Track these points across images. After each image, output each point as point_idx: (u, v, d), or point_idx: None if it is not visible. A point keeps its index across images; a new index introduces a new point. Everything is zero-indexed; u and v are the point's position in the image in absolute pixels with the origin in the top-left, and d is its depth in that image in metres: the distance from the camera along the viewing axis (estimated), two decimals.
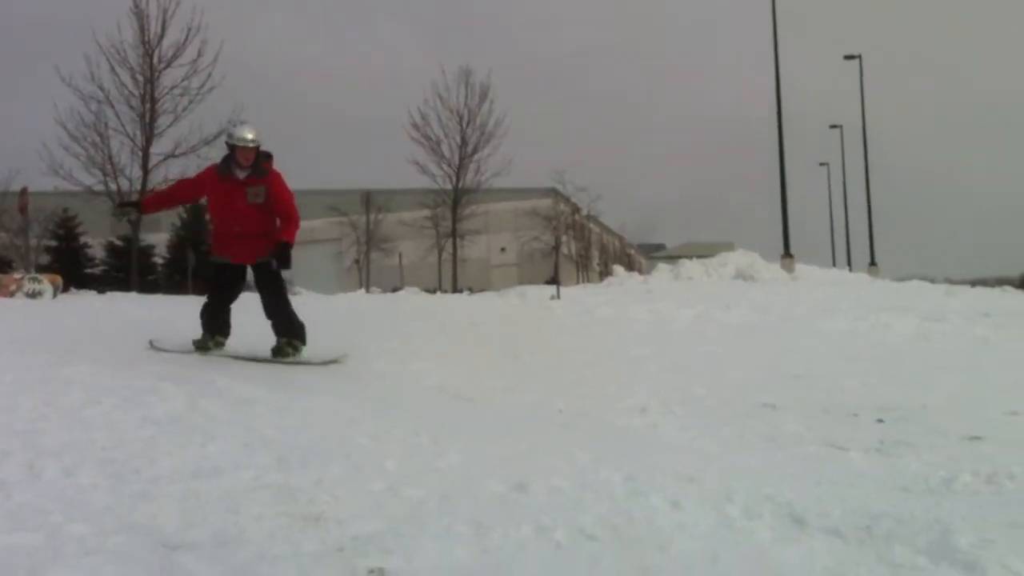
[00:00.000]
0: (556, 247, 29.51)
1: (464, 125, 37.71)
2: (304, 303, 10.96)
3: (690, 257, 29.48)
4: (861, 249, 52.16)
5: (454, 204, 37.61)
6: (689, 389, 8.15)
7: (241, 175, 8.24)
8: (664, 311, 15.28)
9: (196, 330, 8.61)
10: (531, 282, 30.25)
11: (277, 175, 8.38)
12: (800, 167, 51.33)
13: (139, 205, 10.04)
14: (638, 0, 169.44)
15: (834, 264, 50.56)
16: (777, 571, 3.77)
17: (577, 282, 40.66)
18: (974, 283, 36.60)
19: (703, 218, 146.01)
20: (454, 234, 38.14)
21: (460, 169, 37.66)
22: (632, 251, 60.61)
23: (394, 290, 26.93)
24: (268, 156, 8.34)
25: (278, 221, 8.44)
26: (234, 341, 8.67)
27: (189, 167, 24.75)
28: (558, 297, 18.40)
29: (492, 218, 44.66)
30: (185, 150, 26.34)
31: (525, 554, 3.79)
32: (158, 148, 26.72)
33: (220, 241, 8.56)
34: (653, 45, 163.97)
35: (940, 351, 11.41)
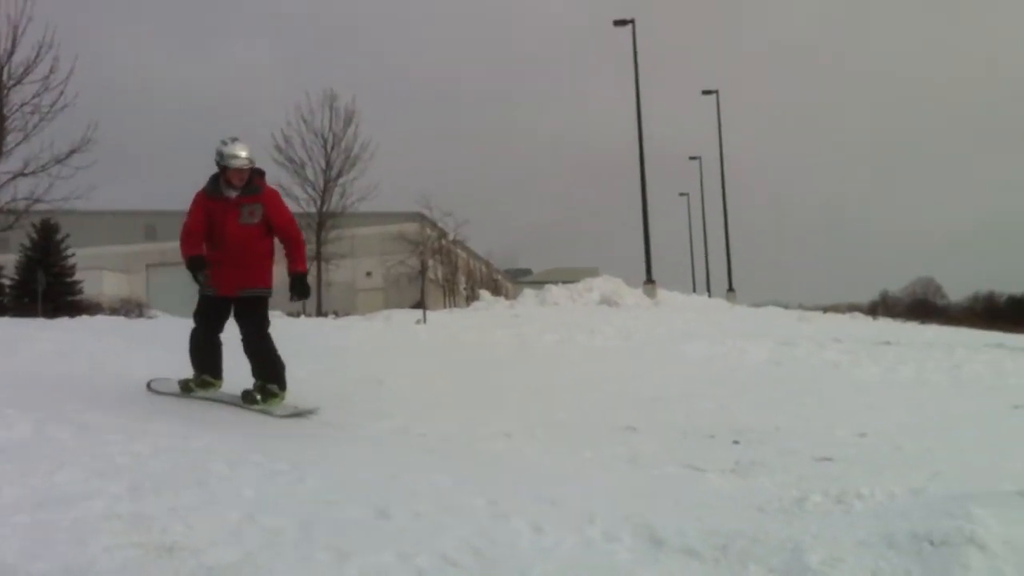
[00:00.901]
0: (422, 271, 29.36)
1: (329, 149, 37.31)
2: (162, 327, 10.63)
3: (556, 282, 29.73)
4: (720, 276, 53.56)
5: (319, 228, 37.05)
6: (552, 413, 8.22)
7: (232, 194, 7.49)
8: (529, 336, 15.38)
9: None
10: (397, 306, 30.05)
11: (273, 193, 7.78)
12: (662, 196, 52.65)
13: (201, 260, 7.70)
14: (505, 26, 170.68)
15: (694, 290, 51.89)
16: None
17: (444, 306, 40.58)
18: (826, 309, 37.99)
19: (569, 244, 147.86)
20: (319, 258, 37.56)
21: (325, 192, 37.21)
22: (498, 276, 60.81)
23: None
24: (260, 173, 7.68)
25: (280, 246, 7.75)
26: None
27: (39, 186, 23.80)
28: (424, 321, 18.34)
29: (358, 242, 44.14)
30: (35, 169, 25.22)
31: None
32: (6, 167, 25.52)
33: (214, 266, 7.61)
34: (520, 72, 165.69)
35: (793, 375, 11.79)
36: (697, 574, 4.03)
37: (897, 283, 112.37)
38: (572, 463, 6.40)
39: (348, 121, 37.56)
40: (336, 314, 29.61)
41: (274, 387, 7.58)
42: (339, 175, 37.37)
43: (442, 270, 48.01)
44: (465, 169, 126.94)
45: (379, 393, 9.29)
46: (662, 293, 32.04)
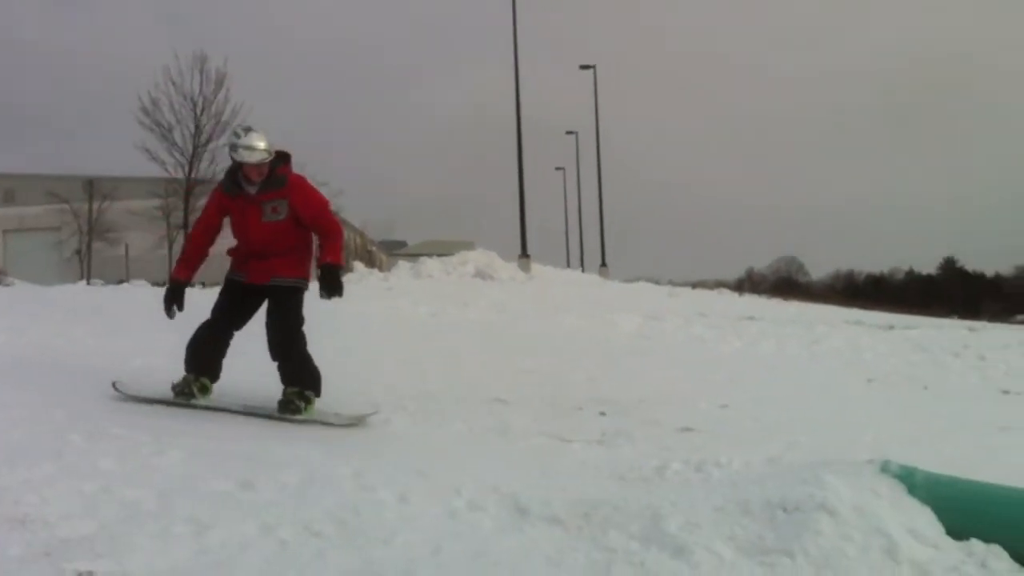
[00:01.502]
0: None
1: (198, 112, 36.28)
2: (16, 294, 10.20)
3: (431, 255, 29.67)
4: (594, 251, 54.30)
5: (186, 194, 35.98)
6: (423, 385, 8.21)
7: (252, 190, 6.47)
8: (402, 308, 15.33)
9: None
10: None
11: (299, 182, 6.61)
12: (538, 170, 52.92)
13: (180, 289, 6.84)
14: None
15: (568, 265, 52.43)
16: (498, 560, 3.86)
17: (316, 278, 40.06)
18: (695, 285, 38.92)
19: (445, 217, 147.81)
20: (186, 226, 36.55)
21: (193, 158, 36.16)
22: (373, 248, 60.39)
23: (119, 282, 25.55)
24: (284, 158, 6.57)
25: (312, 236, 6.77)
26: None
27: None
28: None
29: None
30: None
31: (247, 553, 3.71)
32: None
33: (237, 256, 6.79)
34: (401, 43, 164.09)
35: (660, 348, 12.06)
36: (560, 542, 4.09)
37: (763, 261, 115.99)
38: (441, 435, 6.41)
39: (219, 85, 36.53)
40: (204, 284, 28.96)
41: (311, 393, 6.54)
42: (209, 140, 36.34)
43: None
44: (342, 139, 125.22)
45: (245, 364, 9.12)
46: (536, 267, 32.27)
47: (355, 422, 6.43)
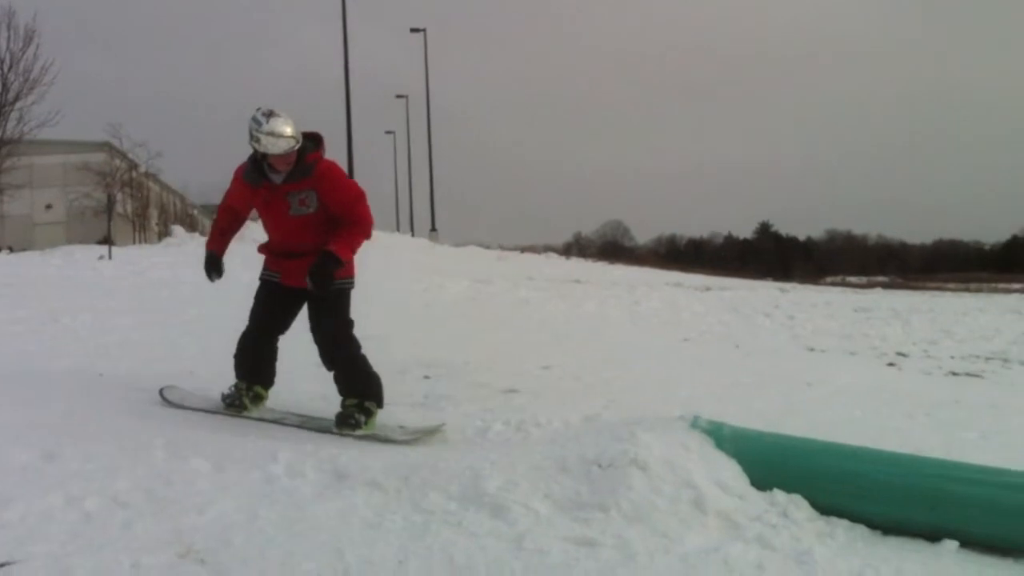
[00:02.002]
0: (109, 205, 27.63)
1: (5, 70, 34.44)
2: None
3: (256, 220, 28.91)
4: (424, 215, 54.19)
5: None
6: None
7: (278, 179, 5.53)
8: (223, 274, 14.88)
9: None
10: (81, 241, 28.35)
11: (329, 170, 5.59)
12: (368, 134, 52.52)
13: (214, 259, 6.05)
14: None
15: (398, 229, 52.22)
16: (316, 525, 3.83)
17: (134, 242, 38.62)
18: (524, 250, 39.47)
19: None
20: None
21: (0, 116, 34.32)
22: (195, 211, 58.47)
23: None
24: (315, 142, 5.59)
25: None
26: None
27: None
28: (108, 257, 17.34)
29: (37, 172, 40.76)
30: None
31: (50, 525, 3.58)
32: None
33: (269, 254, 5.96)
34: (228, 5, 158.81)
35: (486, 311, 12.13)
36: (379, 505, 4.08)
37: (591, 226, 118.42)
38: None
39: (28, 41, 34.71)
40: (11, 249, 27.53)
41: (372, 405, 5.68)
42: (16, 99, 34.55)
43: (132, 204, 45.59)
44: (163, 101, 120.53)
45: (54, 331, 8.72)
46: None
47: (421, 436, 5.48)
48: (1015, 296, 20.92)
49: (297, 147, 5.39)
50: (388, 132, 61.07)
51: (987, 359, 9.71)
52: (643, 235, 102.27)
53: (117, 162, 44.46)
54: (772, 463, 4.29)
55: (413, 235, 45.56)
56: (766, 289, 19.52)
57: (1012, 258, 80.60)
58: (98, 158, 43.85)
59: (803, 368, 8.40)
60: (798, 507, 4.03)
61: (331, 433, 5.47)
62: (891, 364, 9.35)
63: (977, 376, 8.70)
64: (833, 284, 38.68)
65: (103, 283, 13.48)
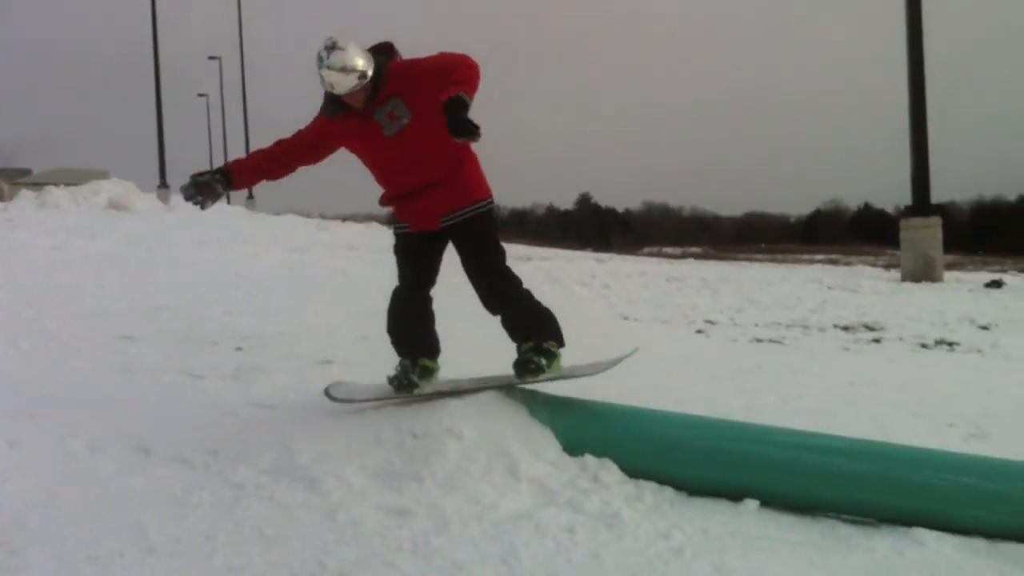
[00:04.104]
0: None
1: None
2: None
3: (58, 184, 27.58)
4: None
5: None
6: (40, 321, 7.61)
7: (359, 105, 4.59)
8: (20, 240, 14.09)
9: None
10: None
11: (401, 66, 4.64)
12: (179, 97, 50.51)
13: (228, 176, 4.80)
14: None
15: None
16: (119, 502, 3.72)
17: None
18: (346, 219, 39.01)
19: (77, 145, 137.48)
20: None
21: None
22: None
23: None
24: (387, 54, 4.66)
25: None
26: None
27: None
28: None
29: None
30: None
31: None
32: None
33: (389, 202, 4.97)
34: None
35: (303, 281, 11.92)
36: (186, 480, 3.98)
37: None
38: (59, 375, 5.95)
39: None
40: None
41: (552, 344, 4.80)
42: None
43: None
44: None
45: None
46: (177, 198, 30.98)
47: (614, 364, 4.86)
48: (817, 266, 21.97)
49: (368, 80, 4.47)
50: (201, 95, 59.02)
51: (788, 326, 10.18)
52: None
53: None
54: (583, 429, 4.38)
55: (229, 202, 44.29)
56: (584, 259, 19.88)
57: (815, 230, 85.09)
58: None
59: (617, 336, 8.59)
60: (608, 471, 4.13)
61: (516, 384, 4.72)
62: (699, 331, 9.69)
63: (779, 342, 9.11)
64: (650, 255, 39.82)
65: None
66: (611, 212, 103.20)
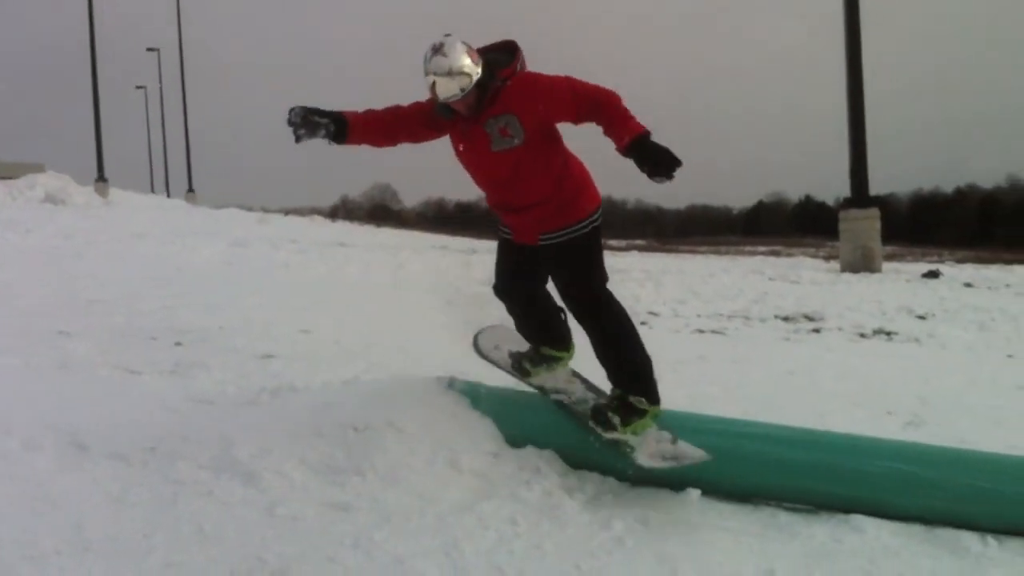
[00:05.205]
0: None
1: None
2: None
3: None
4: (181, 176, 52.13)
5: None
6: None
7: (467, 112, 4.13)
8: None
9: None
10: None
11: (521, 83, 4.12)
12: (117, 90, 49.71)
13: (343, 127, 4.26)
14: None
15: (152, 190, 50.07)
16: (55, 501, 3.66)
17: None
18: (288, 212, 38.69)
19: (10, 138, 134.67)
20: None
21: None
22: None
23: None
24: (509, 53, 4.20)
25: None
26: None
27: None
28: None
29: None
30: None
31: None
32: None
33: (493, 208, 4.48)
34: None
35: (242, 275, 11.77)
36: (123, 477, 3.92)
37: (358, 188, 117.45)
38: None
39: None
40: None
41: (638, 401, 4.17)
42: None
43: None
44: None
45: None
46: (117, 192, 30.66)
47: (683, 462, 4.03)
48: (759, 258, 22.24)
49: (474, 84, 4.01)
50: (139, 87, 58.09)
51: (730, 317, 10.29)
52: (411, 199, 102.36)
53: None
54: (525, 421, 4.37)
55: (169, 196, 43.82)
56: None
57: (758, 222, 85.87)
58: None
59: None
60: (550, 463, 4.14)
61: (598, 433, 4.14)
62: (643, 323, 9.73)
63: (721, 333, 9.21)
64: None
65: None
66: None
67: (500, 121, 4.09)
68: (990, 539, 3.68)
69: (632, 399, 4.15)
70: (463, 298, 10.24)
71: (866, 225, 16.38)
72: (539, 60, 4.23)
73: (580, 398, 4.42)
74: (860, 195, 16.75)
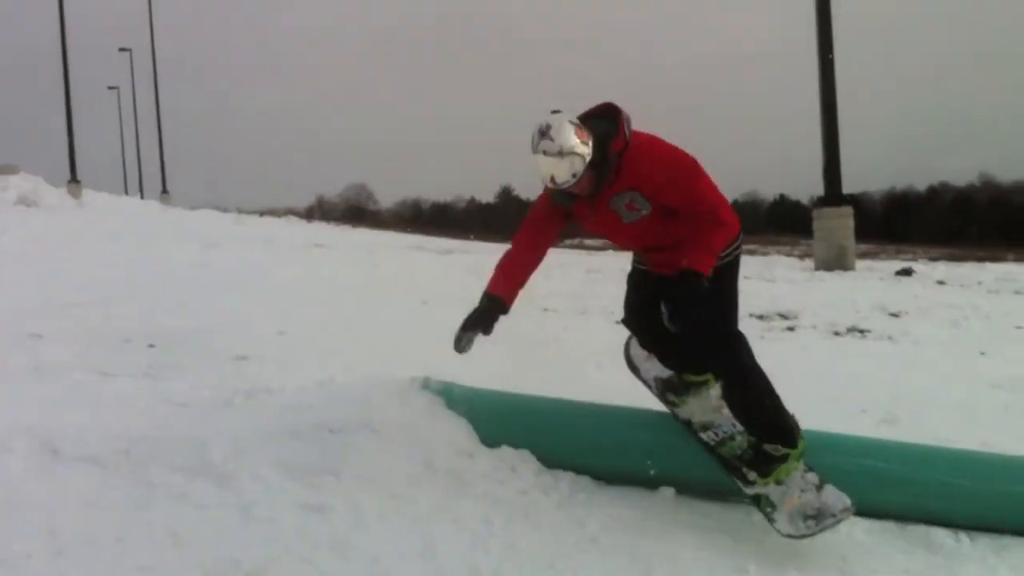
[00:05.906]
0: None
1: None
2: None
3: None
4: (154, 177, 51.86)
5: None
6: None
7: (586, 193, 3.97)
8: None
9: None
10: None
11: (640, 157, 3.92)
12: (88, 90, 49.27)
13: (493, 310, 4.32)
14: None
15: (126, 192, 49.77)
16: (27, 504, 3.63)
17: None
18: (263, 213, 38.58)
19: None
20: None
21: None
22: None
23: None
24: (612, 120, 3.96)
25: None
26: None
27: None
28: None
29: None
30: None
31: None
32: None
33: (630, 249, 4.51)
34: None
35: (218, 277, 11.70)
36: (96, 481, 3.89)
37: (334, 189, 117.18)
38: None
39: None
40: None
41: (775, 449, 3.87)
42: None
43: None
44: None
45: None
46: (90, 194, 30.47)
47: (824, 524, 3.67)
48: None
49: (587, 164, 3.82)
50: (112, 88, 57.64)
51: None
52: (387, 199, 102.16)
53: None
54: (500, 421, 4.38)
55: (143, 197, 43.58)
56: (503, 251, 19.89)
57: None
58: None
59: (533, 329, 8.60)
60: (525, 463, 4.15)
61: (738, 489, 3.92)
62: (619, 323, 9.76)
63: None
64: (571, 247, 40.07)
65: None
66: (529, 203, 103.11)
67: (624, 198, 3.95)
68: (963, 535, 3.72)
69: (767, 447, 3.89)
70: (438, 298, 10.23)
71: (840, 223, 16.49)
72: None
73: (726, 434, 4.08)
74: (833, 194, 16.87)
